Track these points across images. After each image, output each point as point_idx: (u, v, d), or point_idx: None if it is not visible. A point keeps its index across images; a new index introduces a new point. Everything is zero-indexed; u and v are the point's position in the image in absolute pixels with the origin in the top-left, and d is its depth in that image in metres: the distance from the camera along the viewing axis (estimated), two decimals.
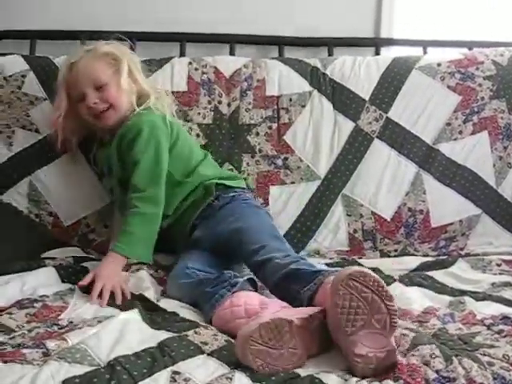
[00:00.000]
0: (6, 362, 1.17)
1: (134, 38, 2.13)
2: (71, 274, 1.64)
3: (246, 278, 1.51)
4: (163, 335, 1.31)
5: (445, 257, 1.91)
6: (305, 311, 1.31)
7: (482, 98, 2.06)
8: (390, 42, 2.28)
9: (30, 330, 1.34)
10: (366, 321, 1.24)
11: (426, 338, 1.31)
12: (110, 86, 1.74)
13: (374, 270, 1.56)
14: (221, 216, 1.72)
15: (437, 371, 1.20)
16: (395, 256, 1.94)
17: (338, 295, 1.23)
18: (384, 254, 1.94)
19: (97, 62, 1.75)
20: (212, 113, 2.01)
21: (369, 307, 1.24)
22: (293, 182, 1.99)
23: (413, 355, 1.24)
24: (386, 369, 1.23)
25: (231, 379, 1.17)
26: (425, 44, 2.25)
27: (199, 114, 2.00)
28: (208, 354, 1.25)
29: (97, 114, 1.75)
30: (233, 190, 1.78)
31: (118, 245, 1.62)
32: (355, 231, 1.97)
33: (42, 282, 1.58)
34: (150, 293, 1.56)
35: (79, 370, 1.16)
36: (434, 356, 1.23)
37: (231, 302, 1.42)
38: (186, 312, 1.47)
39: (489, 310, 1.51)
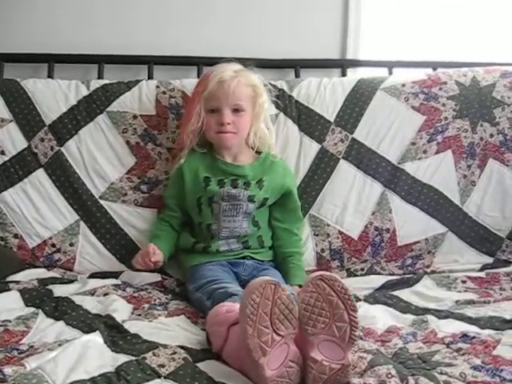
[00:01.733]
0: None
1: (102, 61, 2.15)
2: (35, 297, 1.63)
3: None
4: (122, 358, 1.31)
5: (410, 275, 1.93)
6: None
7: (446, 118, 2.09)
8: (356, 63, 2.31)
9: None
10: (328, 324, 1.27)
11: (383, 359, 1.33)
12: (246, 113, 1.84)
13: None
14: None
15: None
16: (362, 275, 1.95)
17: (305, 291, 1.28)
18: (351, 273, 1.95)
19: (245, 88, 1.84)
20: None
21: (332, 311, 1.27)
22: None
23: (369, 376, 1.26)
24: None
25: None
26: (390, 65, 2.29)
27: (168, 138, 1.99)
28: (164, 377, 1.25)
29: (222, 132, 1.82)
30: None
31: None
32: (323, 250, 1.98)
33: (5, 306, 1.58)
34: (117, 314, 1.55)
35: None
36: (390, 376, 1.25)
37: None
38: (147, 333, 1.46)
39: (450, 328, 1.52)
